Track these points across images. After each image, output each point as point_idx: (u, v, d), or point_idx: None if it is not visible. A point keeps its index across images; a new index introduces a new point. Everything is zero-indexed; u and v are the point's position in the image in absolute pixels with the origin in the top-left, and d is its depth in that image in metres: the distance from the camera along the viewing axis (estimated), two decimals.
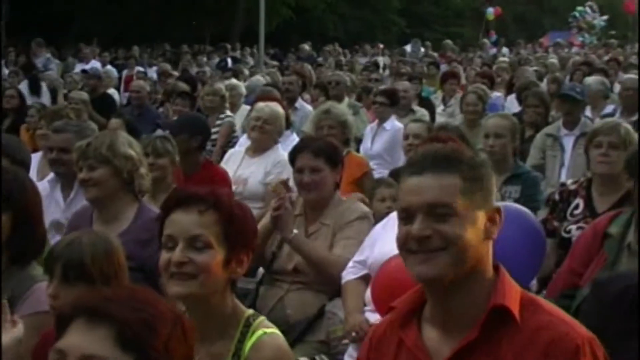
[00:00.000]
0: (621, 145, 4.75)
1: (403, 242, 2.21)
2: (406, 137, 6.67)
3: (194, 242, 2.54)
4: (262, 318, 2.70)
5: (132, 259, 3.44)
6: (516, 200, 5.71)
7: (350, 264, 4.44)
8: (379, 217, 4.81)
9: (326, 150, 4.81)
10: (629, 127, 5.06)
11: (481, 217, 2.22)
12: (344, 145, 6.74)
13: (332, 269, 4.53)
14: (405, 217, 2.22)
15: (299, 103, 10.49)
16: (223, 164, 7.08)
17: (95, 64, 18.20)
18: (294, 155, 4.88)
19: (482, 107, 8.50)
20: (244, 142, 7.77)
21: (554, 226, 4.94)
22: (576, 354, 2.12)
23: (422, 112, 9.97)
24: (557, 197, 5.03)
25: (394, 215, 4.32)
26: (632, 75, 9.54)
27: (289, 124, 7.82)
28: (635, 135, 4.99)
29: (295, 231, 4.61)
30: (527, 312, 2.19)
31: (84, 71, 15.38)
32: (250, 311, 2.74)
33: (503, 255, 3.62)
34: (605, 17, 39.84)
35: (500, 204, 4.08)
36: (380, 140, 8.77)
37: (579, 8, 39.57)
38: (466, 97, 8.84)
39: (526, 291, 2.31)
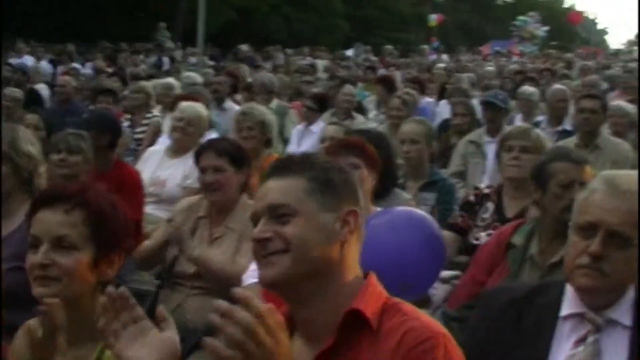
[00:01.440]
0: (532, 150, 4.74)
1: (254, 251, 2.14)
2: (323, 140, 6.60)
3: (59, 243, 2.43)
4: None
5: (20, 258, 3.29)
6: (432, 207, 5.69)
7: (252, 267, 4.31)
8: None
9: (230, 150, 4.70)
10: (540, 132, 5.06)
11: (327, 218, 2.14)
12: (265, 147, 6.64)
13: (237, 281, 4.41)
14: (254, 225, 2.16)
15: (228, 104, 10.37)
16: (141, 163, 6.90)
17: (27, 59, 17.86)
18: (198, 156, 4.76)
19: (406, 113, 8.41)
20: (163, 141, 7.59)
21: (466, 224, 4.90)
22: (426, 345, 2.06)
23: (360, 119, 9.89)
24: (472, 198, 5.01)
25: None
26: (561, 86, 9.54)
27: (210, 125, 7.69)
28: (546, 141, 4.98)
29: (194, 246, 4.48)
30: (387, 317, 2.13)
31: (8, 65, 15.07)
32: None
33: (402, 260, 3.61)
34: (546, 28, 40.44)
35: (401, 209, 4.05)
36: (307, 143, 8.72)
37: (522, 17, 40.13)
38: (391, 102, 8.76)
39: (392, 297, 2.22)
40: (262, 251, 2.10)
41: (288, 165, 2.19)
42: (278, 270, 2.08)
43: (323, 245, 2.11)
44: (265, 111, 7.00)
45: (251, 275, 4.30)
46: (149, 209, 6.17)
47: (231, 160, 4.64)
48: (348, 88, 10.23)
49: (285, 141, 9.70)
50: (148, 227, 5.72)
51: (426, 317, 2.18)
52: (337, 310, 2.12)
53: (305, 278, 2.09)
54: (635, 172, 2.81)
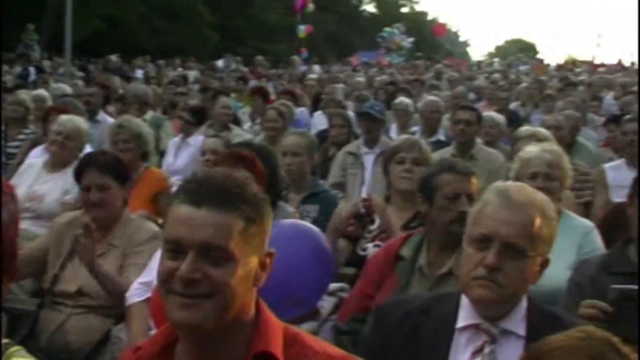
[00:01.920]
0: (422, 162, 4.78)
1: (165, 279, 1.98)
2: (203, 152, 6.51)
3: None
4: (15, 348, 2.41)
5: None
6: (315, 219, 5.66)
7: (135, 285, 4.21)
8: None
9: (113, 166, 4.59)
10: (425, 145, 5.12)
11: (254, 262, 2.02)
12: (142, 160, 6.49)
13: (122, 298, 4.29)
14: (173, 250, 1.98)
15: (101, 116, 10.11)
16: (17, 177, 6.60)
17: None
18: (79, 172, 4.60)
19: (282, 124, 8.40)
20: (39, 154, 7.31)
21: (357, 233, 4.87)
22: None
23: (238, 130, 9.80)
24: (362, 210, 4.96)
25: None
26: (435, 98, 9.72)
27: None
28: (430, 154, 5.04)
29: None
30: (292, 351, 2.05)
31: None
32: (5, 340, 2.45)
33: (290, 274, 3.58)
34: (411, 39, 41.29)
35: (287, 221, 4.02)
36: (184, 155, 8.59)
37: (387, 29, 40.86)
38: (266, 113, 8.72)
39: (289, 326, 2.15)
40: (184, 289, 1.94)
41: (225, 197, 1.99)
42: (202, 316, 1.94)
43: (245, 291, 2.00)
44: (142, 124, 6.84)
45: (136, 293, 4.20)
46: (25, 225, 5.90)
47: (115, 177, 4.53)
48: (224, 100, 10.12)
49: (162, 153, 9.53)
50: (25, 244, 5.49)
51: (336, 353, 2.12)
52: (239, 350, 2.03)
53: (223, 324, 1.98)
54: (525, 185, 2.88)
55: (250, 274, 2.01)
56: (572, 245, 4.22)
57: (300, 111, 12.10)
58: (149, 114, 10.53)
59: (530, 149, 4.63)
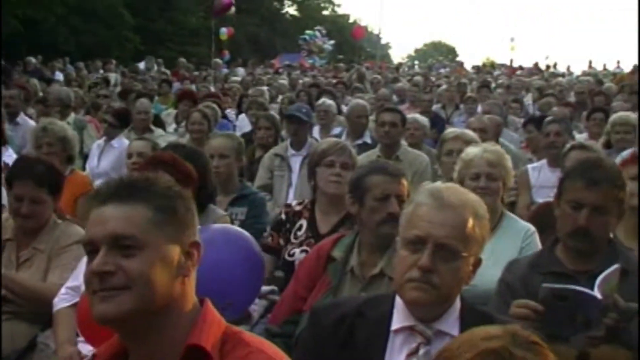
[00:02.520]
0: (351, 166, 4.74)
1: (87, 281, 1.99)
2: (130, 155, 6.42)
3: None
4: None
5: None
6: (243, 222, 5.65)
7: (63, 290, 4.14)
8: None
9: (50, 178, 4.52)
10: (353, 149, 5.10)
11: (174, 251, 2.03)
12: (67, 163, 6.38)
13: (48, 299, 4.19)
14: (90, 252, 2.01)
15: (21, 118, 9.88)
16: None
17: None
18: (11, 179, 4.48)
19: (207, 126, 8.32)
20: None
21: (277, 243, 4.85)
22: None
23: (160, 132, 9.68)
24: (283, 216, 4.93)
25: None
26: (361, 101, 9.71)
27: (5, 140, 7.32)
28: (357, 158, 5.03)
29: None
30: (228, 347, 2.06)
31: None
32: None
33: (222, 279, 3.54)
34: (333, 42, 41.46)
35: (217, 226, 3.99)
36: (108, 158, 8.46)
37: (309, 32, 40.92)
38: (191, 116, 8.64)
39: (232, 326, 2.16)
40: (100, 285, 1.95)
41: (130, 191, 2.04)
42: (118, 309, 1.94)
43: (167, 281, 2.00)
44: (66, 127, 6.72)
45: (63, 298, 4.11)
46: None
47: (50, 190, 4.48)
48: (141, 102, 9.96)
49: (85, 156, 9.37)
50: None
51: (271, 350, 2.12)
52: (176, 343, 2.02)
53: (144, 315, 1.97)
54: (457, 186, 2.90)
55: (171, 262, 2.01)
56: (514, 247, 4.27)
57: (229, 112, 12.05)
58: (72, 117, 10.33)
59: (472, 150, 4.67)
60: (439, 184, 2.87)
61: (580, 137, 8.82)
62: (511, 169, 4.69)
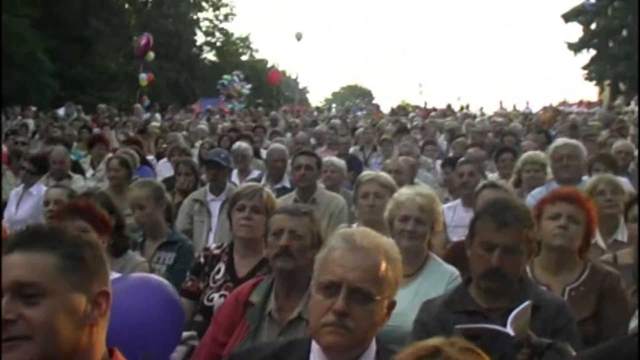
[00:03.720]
0: (263, 210, 4.72)
1: None
2: (46, 203, 6.31)
3: None
4: None
5: None
6: (170, 267, 5.65)
7: None
8: None
9: None
10: (271, 192, 5.09)
11: (80, 300, 2.00)
12: None
13: None
14: None
15: None
16: None
17: None
18: None
19: (125, 172, 8.19)
20: None
21: (197, 287, 4.79)
22: None
23: (78, 178, 9.52)
24: (202, 260, 4.89)
25: None
26: (280, 145, 9.70)
27: None
28: (275, 201, 5.02)
29: None
30: None
31: None
32: None
33: (141, 328, 3.48)
34: (250, 85, 41.57)
35: (136, 275, 3.93)
36: (26, 205, 8.30)
37: (227, 76, 40.96)
38: (110, 162, 8.53)
39: None
40: (3, 333, 1.90)
41: (36, 238, 2.00)
42: (19, 358, 1.89)
43: (72, 330, 1.95)
44: None
45: None
46: None
47: None
48: (58, 150, 9.79)
49: (4, 204, 9.18)
50: None
51: None
52: None
53: None
54: (369, 230, 2.91)
55: (76, 311, 1.97)
56: (438, 290, 4.27)
57: (150, 158, 11.96)
58: None
59: (404, 192, 4.71)
60: (352, 228, 2.88)
61: (492, 176, 8.99)
62: (441, 213, 4.73)
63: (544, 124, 18.15)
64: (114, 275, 3.92)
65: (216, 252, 4.89)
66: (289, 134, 16.32)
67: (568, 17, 48.71)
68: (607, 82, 45.90)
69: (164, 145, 13.22)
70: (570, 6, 48.93)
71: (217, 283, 4.72)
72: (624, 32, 44.62)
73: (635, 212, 5.09)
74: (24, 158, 9.04)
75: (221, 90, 39.87)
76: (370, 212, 5.39)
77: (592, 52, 46.71)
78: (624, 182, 6.86)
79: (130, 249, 5.34)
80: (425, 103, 42.35)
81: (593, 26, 46.19)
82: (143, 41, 35.12)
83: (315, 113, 32.39)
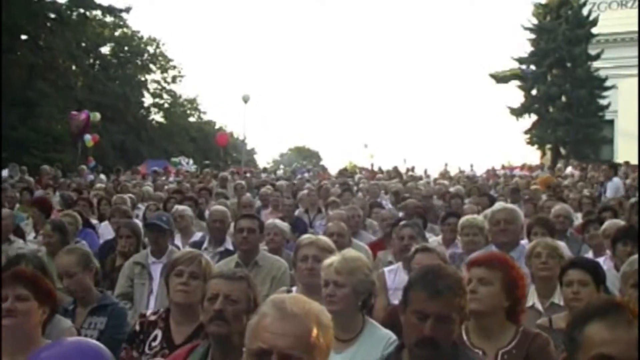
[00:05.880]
0: (201, 276, 4.69)
1: None
2: None
3: None
4: None
5: None
6: (102, 332, 5.56)
7: None
8: None
9: None
10: (209, 259, 5.07)
11: None
12: None
13: None
14: None
15: None
16: None
17: None
18: None
19: (59, 238, 8.06)
20: None
21: (130, 356, 4.71)
22: None
23: (19, 243, 9.36)
24: (137, 327, 4.81)
25: None
26: (221, 207, 9.68)
27: None
28: (213, 267, 4.99)
29: None
30: None
31: None
32: None
33: None
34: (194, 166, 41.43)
35: (71, 340, 3.86)
36: None
37: (175, 159, 40.71)
38: (45, 227, 8.43)
39: None
40: None
41: None
42: None
43: None
44: None
45: None
46: None
47: None
48: (3, 212, 9.61)
49: None
50: None
51: None
52: None
53: None
54: (301, 296, 2.91)
55: None
56: (374, 356, 4.28)
57: (95, 222, 11.87)
58: None
59: (330, 258, 4.73)
60: (284, 294, 2.88)
61: (435, 240, 9.07)
62: (368, 274, 4.73)
63: (542, 188, 18.28)
64: (47, 342, 3.86)
65: (152, 318, 4.83)
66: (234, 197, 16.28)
67: (500, 78, 49.85)
68: (548, 146, 46.84)
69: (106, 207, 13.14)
70: (502, 67, 50.15)
71: (153, 350, 4.65)
72: (563, 98, 45.72)
73: (569, 277, 5.18)
74: None
75: (171, 165, 39.62)
76: (308, 275, 5.39)
77: (534, 117, 47.69)
78: (562, 246, 6.97)
79: (61, 316, 5.28)
80: (372, 165, 42.75)
81: (534, 92, 47.25)
82: (82, 117, 35.07)
83: (263, 175, 32.39)
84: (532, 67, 47.36)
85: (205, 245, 8.65)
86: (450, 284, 3.47)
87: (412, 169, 36.33)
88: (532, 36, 48.30)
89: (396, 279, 6.94)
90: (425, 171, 35.42)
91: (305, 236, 6.04)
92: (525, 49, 48.60)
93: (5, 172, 25.91)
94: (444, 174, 30.64)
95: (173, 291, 4.72)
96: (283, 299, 2.76)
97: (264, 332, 2.63)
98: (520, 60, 48.24)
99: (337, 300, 4.47)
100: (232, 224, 9.41)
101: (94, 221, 12.15)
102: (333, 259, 4.64)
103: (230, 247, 8.55)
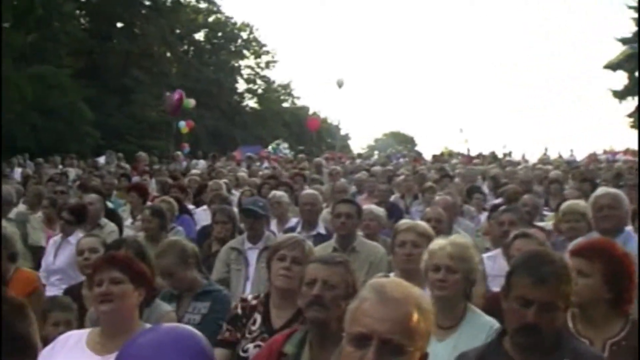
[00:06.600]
0: (303, 262, 4.67)
1: None
2: (81, 252, 6.36)
3: None
4: None
5: None
6: (204, 315, 5.68)
7: None
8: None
9: None
10: (311, 245, 5.09)
11: None
12: (10, 262, 6.30)
13: None
14: None
15: None
16: None
17: None
18: None
19: (159, 223, 8.31)
20: None
21: (235, 338, 4.77)
22: None
23: (111, 227, 9.62)
24: (239, 311, 4.86)
25: (61, 338, 4.05)
26: (311, 191, 9.76)
27: None
28: (313, 252, 5.01)
29: None
30: None
31: None
32: None
33: None
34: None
35: (166, 326, 3.94)
36: (64, 254, 8.33)
37: (273, 145, 40.65)
38: (143, 212, 8.63)
39: None
40: None
41: None
42: None
43: None
44: (3, 225, 6.61)
45: None
46: None
47: None
48: (91, 197, 9.95)
49: (32, 248, 9.32)
50: None
51: None
52: None
53: None
54: (401, 280, 2.91)
55: None
56: (477, 344, 4.16)
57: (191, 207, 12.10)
58: (13, 212, 10.29)
59: (438, 241, 4.71)
60: (384, 278, 2.88)
61: (546, 224, 8.94)
62: (477, 263, 4.70)
63: None
64: (146, 326, 3.96)
65: (253, 302, 4.87)
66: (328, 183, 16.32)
67: (612, 66, 48.38)
68: None
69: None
70: (614, 54, 48.71)
71: (253, 334, 4.71)
72: None
73: None
74: (62, 208, 9.10)
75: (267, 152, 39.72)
76: (406, 261, 5.38)
77: (637, 99, 46.32)
78: None
79: (167, 300, 5.40)
80: (468, 150, 42.27)
81: (637, 74, 45.83)
82: (175, 97, 35.52)
83: (358, 160, 32.40)
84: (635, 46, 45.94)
85: (298, 230, 8.71)
86: (555, 270, 3.40)
87: (509, 154, 35.78)
88: (636, 15, 46.84)
89: (495, 266, 6.87)
90: (523, 156, 34.85)
91: (403, 221, 6.03)
92: (630, 29, 47.24)
93: (102, 159, 26.61)
94: (544, 160, 30.03)
95: (275, 275, 4.73)
96: (383, 283, 2.76)
97: (364, 317, 2.64)
98: (624, 41, 46.84)
99: (447, 285, 4.45)
100: (326, 209, 9.51)
101: (191, 207, 12.35)
102: (443, 244, 4.61)
103: (322, 231, 8.63)
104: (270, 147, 40.18)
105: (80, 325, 5.11)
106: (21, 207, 11.48)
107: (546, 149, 36.91)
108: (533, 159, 32.11)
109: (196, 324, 5.21)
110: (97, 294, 4.04)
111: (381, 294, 2.67)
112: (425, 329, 2.68)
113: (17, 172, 22.18)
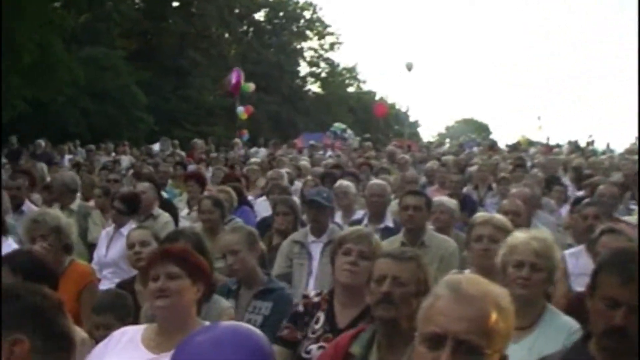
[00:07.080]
0: (370, 256, 4.64)
1: None
2: (131, 245, 6.42)
3: None
4: None
5: None
6: (266, 317, 5.67)
7: None
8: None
9: (29, 268, 4.53)
10: (378, 239, 5.06)
11: None
12: (65, 253, 6.38)
13: None
14: None
15: (26, 206, 9.93)
16: None
17: None
18: None
19: (219, 214, 8.37)
20: None
21: (294, 336, 4.78)
22: None
23: (165, 218, 9.70)
24: (301, 309, 4.86)
25: (116, 334, 4.09)
26: (379, 181, 9.73)
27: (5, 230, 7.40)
28: (381, 246, 4.99)
29: None
30: None
31: None
32: None
33: None
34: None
35: (225, 324, 3.96)
36: (117, 246, 8.39)
37: (336, 125, 40.52)
38: (202, 203, 8.70)
39: None
40: None
41: None
42: None
43: None
44: (59, 215, 6.66)
45: None
46: None
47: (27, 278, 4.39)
48: (143, 185, 10.01)
49: (90, 245, 9.42)
50: None
51: None
52: None
53: None
54: (478, 277, 2.88)
55: None
56: (556, 345, 4.17)
57: (251, 198, 12.14)
58: (76, 203, 10.41)
59: (519, 235, 4.66)
60: (459, 274, 2.86)
61: (631, 219, 8.78)
62: (559, 261, 4.65)
63: None
64: (204, 323, 3.98)
65: (316, 299, 4.86)
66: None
67: None
68: None
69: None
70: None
71: (316, 334, 4.70)
72: None
73: None
74: (114, 197, 9.18)
75: (329, 136, 39.65)
76: (483, 256, 5.34)
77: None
78: None
79: (224, 296, 5.41)
80: (548, 139, 41.70)
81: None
82: (233, 79, 35.64)
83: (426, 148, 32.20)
84: None
85: (364, 222, 8.69)
86: None
87: (592, 143, 35.21)
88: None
89: (578, 264, 6.77)
90: (608, 145, 34.27)
91: (480, 214, 5.99)
92: None
93: (156, 146, 26.85)
94: (632, 150, 29.43)
95: (339, 270, 4.70)
96: (459, 279, 2.74)
97: (438, 315, 2.62)
98: None
99: (531, 284, 4.41)
100: (395, 201, 9.46)
101: (250, 197, 12.40)
102: (526, 238, 4.55)
103: (390, 224, 8.60)
104: (331, 130, 40.00)
105: (135, 323, 5.15)
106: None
107: (636, 138, 36.17)
108: (620, 148, 31.54)
109: (258, 327, 5.22)
110: (153, 290, 4.02)
111: (457, 291, 2.64)
112: (504, 330, 2.64)
113: (67, 159, 22.50)
